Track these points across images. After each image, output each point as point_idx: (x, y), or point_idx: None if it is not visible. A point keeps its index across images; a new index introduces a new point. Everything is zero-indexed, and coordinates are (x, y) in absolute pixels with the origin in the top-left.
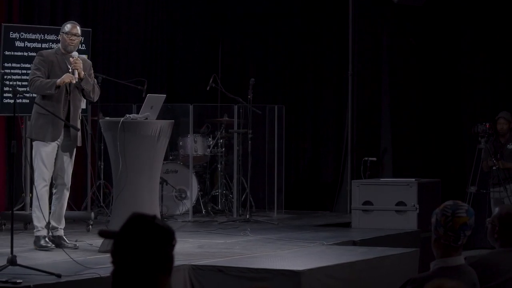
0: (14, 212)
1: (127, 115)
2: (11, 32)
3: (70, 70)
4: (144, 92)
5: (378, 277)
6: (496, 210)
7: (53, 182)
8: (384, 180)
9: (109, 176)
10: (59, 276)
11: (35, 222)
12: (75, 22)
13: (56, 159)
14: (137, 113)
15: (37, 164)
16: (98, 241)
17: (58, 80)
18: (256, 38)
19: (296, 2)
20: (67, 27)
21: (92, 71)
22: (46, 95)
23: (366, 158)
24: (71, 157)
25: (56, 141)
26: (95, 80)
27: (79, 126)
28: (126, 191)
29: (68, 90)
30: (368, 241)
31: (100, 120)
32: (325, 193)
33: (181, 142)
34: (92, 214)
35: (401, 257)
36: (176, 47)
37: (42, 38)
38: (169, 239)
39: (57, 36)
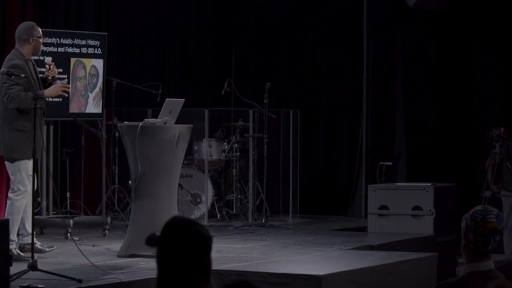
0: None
1: (146, 120)
2: None
3: (49, 79)
4: (159, 97)
5: (397, 282)
6: None
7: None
8: (400, 185)
9: (123, 180)
10: (80, 281)
11: (11, 236)
12: (33, 22)
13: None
14: (153, 117)
15: (20, 179)
16: (116, 246)
17: (47, 93)
18: (270, 42)
19: (310, 6)
20: (38, 31)
21: None
22: (24, 109)
23: (382, 163)
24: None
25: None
26: None
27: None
28: (144, 195)
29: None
30: (386, 246)
31: (119, 125)
32: (339, 198)
33: (196, 147)
34: (109, 219)
35: (420, 262)
36: (190, 52)
37: (58, 42)
38: (208, 244)
39: (73, 40)
